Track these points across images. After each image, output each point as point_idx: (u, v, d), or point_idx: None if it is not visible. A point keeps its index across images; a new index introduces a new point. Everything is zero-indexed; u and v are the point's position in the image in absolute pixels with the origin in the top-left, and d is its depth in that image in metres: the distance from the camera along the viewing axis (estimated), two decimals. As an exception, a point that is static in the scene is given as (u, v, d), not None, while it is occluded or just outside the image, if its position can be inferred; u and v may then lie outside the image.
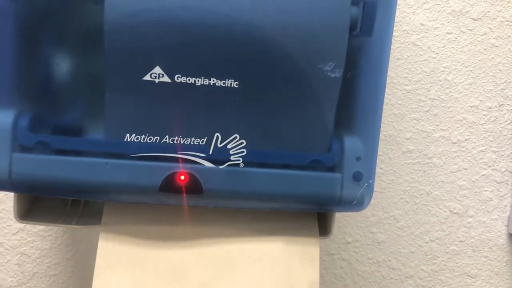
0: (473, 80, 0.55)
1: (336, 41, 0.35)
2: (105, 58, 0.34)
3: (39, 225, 0.52)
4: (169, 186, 0.36)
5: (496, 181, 0.57)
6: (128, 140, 0.35)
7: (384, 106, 0.55)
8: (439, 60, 0.55)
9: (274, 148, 0.36)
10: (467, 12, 0.54)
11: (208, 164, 0.36)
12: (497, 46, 0.55)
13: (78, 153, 0.35)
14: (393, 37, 0.53)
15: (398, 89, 0.55)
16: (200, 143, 0.35)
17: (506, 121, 0.56)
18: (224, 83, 0.34)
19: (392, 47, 0.54)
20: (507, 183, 0.57)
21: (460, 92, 0.55)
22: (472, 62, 0.55)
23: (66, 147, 0.35)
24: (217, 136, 0.35)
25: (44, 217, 0.40)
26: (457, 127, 0.56)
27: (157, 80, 0.34)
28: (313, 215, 0.41)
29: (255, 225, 0.40)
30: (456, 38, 0.54)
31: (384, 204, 0.56)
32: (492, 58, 0.55)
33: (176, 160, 0.35)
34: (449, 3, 0.54)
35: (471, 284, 0.58)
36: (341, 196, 0.37)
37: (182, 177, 0.36)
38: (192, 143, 0.35)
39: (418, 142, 0.56)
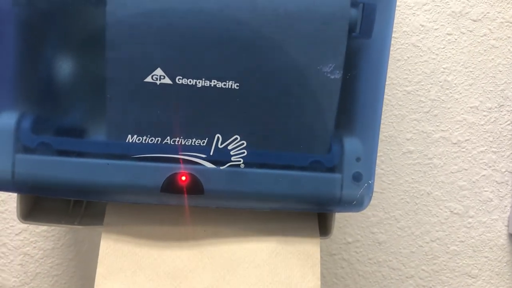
0: (473, 81, 0.55)
1: (336, 42, 0.35)
2: (106, 60, 0.34)
3: (41, 226, 0.53)
4: (170, 186, 0.36)
5: (496, 181, 0.57)
6: (130, 141, 0.35)
7: (385, 107, 0.55)
8: (439, 61, 0.55)
9: (275, 149, 0.37)
10: (467, 13, 0.54)
11: (209, 165, 0.36)
12: (497, 47, 0.55)
13: (80, 154, 0.35)
14: (393, 38, 0.54)
15: (398, 90, 0.55)
16: (201, 144, 0.36)
17: (506, 121, 0.56)
18: (224, 85, 0.35)
19: (392, 48, 0.54)
20: (507, 184, 0.57)
21: (460, 93, 0.55)
22: (472, 63, 0.55)
23: (68, 148, 0.35)
24: (218, 137, 0.36)
25: (46, 218, 0.41)
26: (457, 128, 0.56)
27: (158, 82, 0.34)
28: (313, 215, 0.41)
29: (256, 226, 0.40)
30: (456, 39, 0.55)
31: (384, 204, 0.57)
32: (492, 59, 0.55)
33: (177, 161, 0.36)
34: (449, 4, 0.54)
35: (471, 284, 0.59)
36: (341, 197, 0.37)
37: (184, 178, 0.36)
38: (193, 144, 0.36)
39: (418, 142, 0.56)
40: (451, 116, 0.56)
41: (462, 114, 0.56)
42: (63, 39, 0.35)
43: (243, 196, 0.37)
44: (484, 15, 0.54)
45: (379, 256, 0.57)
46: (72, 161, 0.35)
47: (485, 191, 0.57)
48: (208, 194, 0.36)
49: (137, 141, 0.35)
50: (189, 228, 0.39)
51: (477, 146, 0.56)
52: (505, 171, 0.57)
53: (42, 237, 0.54)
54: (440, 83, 0.55)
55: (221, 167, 0.36)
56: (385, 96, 0.54)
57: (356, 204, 0.38)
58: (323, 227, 0.41)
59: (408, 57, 0.55)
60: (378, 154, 0.55)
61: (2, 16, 0.34)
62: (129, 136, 0.35)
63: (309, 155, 0.37)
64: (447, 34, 0.54)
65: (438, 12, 0.54)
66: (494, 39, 0.55)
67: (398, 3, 0.53)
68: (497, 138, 0.56)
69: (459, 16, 0.54)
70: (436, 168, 0.56)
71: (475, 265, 0.58)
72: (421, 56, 0.55)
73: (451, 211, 0.57)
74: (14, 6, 0.34)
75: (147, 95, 0.34)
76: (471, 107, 0.56)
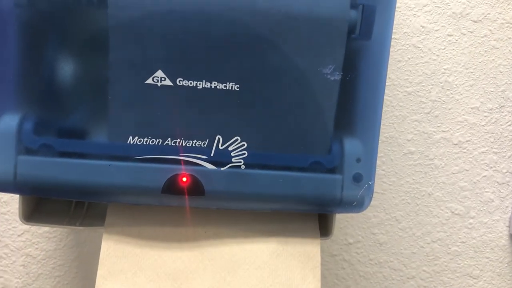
0: (473, 81, 0.55)
1: (335, 44, 0.35)
2: (108, 62, 0.34)
3: (43, 227, 0.53)
4: (171, 187, 0.36)
5: (497, 182, 0.57)
6: (131, 142, 0.35)
7: (385, 108, 0.55)
8: (439, 62, 0.55)
9: (275, 150, 0.37)
10: (467, 14, 0.54)
11: (209, 166, 0.36)
12: (498, 48, 0.55)
13: (81, 156, 0.35)
14: (393, 40, 0.54)
15: (399, 91, 0.55)
16: (202, 145, 0.36)
17: (507, 122, 0.56)
18: (225, 86, 0.35)
19: (393, 49, 0.54)
20: (508, 184, 0.57)
21: (461, 94, 0.55)
22: (473, 64, 0.55)
23: (70, 150, 0.35)
24: (219, 138, 0.36)
25: (48, 219, 0.41)
26: (458, 129, 0.56)
27: (159, 84, 0.35)
28: (314, 216, 0.41)
29: (257, 227, 0.40)
30: (456, 40, 0.55)
31: (385, 205, 0.57)
32: (493, 60, 0.55)
33: (178, 162, 0.36)
34: (449, 5, 0.54)
35: (473, 285, 0.59)
36: (341, 197, 0.37)
37: (184, 179, 0.36)
38: (194, 145, 0.36)
39: (419, 143, 0.56)
40: (452, 117, 0.56)
41: (463, 115, 0.56)
42: (64, 41, 0.35)
43: (244, 197, 0.37)
44: (485, 16, 0.54)
45: (380, 257, 0.58)
46: (73, 163, 0.35)
47: (486, 191, 0.57)
48: (209, 195, 0.36)
49: (138, 142, 0.35)
50: (189, 229, 0.39)
51: (478, 147, 0.56)
52: (506, 172, 0.57)
53: (44, 238, 0.54)
54: (441, 84, 0.55)
55: (222, 168, 0.36)
56: (386, 97, 0.54)
57: (357, 205, 0.38)
58: (324, 228, 0.41)
59: (409, 58, 0.55)
60: (379, 155, 0.55)
61: (4, 18, 0.34)
62: (130, 137, 0.35)
63: (310, 156, 0.37)
64: (448, 35, 0.55)
65: (439, 13, 0.54)
66: (494, 40, 0.55)
67: (398, 4, 0.54)
68: (498, 139, 0.56)
69: (459, 17, 0.54)
70: (437, 169, 0.56)
71: (476, 266, 0.58)
72: (421, 57, 0.55)
73: (452, 212, 0.57)
74: (16, 8, 0.34)
75: (148, 97, 0.35)
76: (472, 108, 0.56)
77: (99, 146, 0.36)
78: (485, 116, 0.56)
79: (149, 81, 0.34)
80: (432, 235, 0.57)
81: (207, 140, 0.36)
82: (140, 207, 0.40)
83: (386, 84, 0.54)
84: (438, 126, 0.56)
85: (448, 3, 0.54)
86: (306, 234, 0.40)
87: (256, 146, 0.36)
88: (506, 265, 0.59)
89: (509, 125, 0.56)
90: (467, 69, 0.55)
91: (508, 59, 0.55)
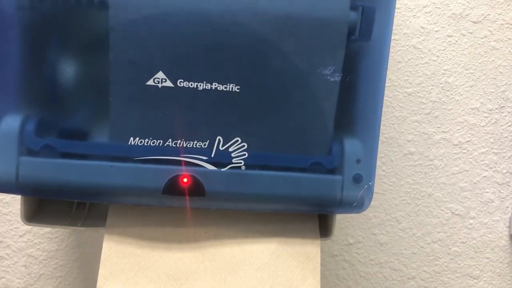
0: (473, 82, 0.55)
1: (335, 45, 0.35)
2: (109, 63, 0.34)
3: (45, 227, 0.53)
4: (172, 188, 0.36)
5: (497, 182, 0.57)
6: (132, 143, 0.36)
7: (385, 109, 0.55)
8: (439, 63, 0.55)
9: (275, 150, 0.37)
10: (467, 15, 0.54)
11: (210, 167, 0.36)
12: (498, 49, 0.55)
13: (83, 157, 0.36)
14: (393, 40, 0.54)
15: (399, 91, 0.55)
16: (203, 146, 0.36)
17: (507, 123, 0.56)
18: (225, 88, 0.35)
19: (392, 50, 0.54)
20: (508, 185, 0.57)
21: (461, 95, 0.56)
22: (473, 64, 0.55)
23: (72, 151, 0.36)
24: (219, 139, 0.36)
25: (50, 220, 0.41)
26: (458, 129, 0.56)
27: (160, 85, 0.35)
28: (314, 216, 0.41)
29: (257, 227, 0.40)
30: (456, 41, 0.55)
31: (386, 205, 0.57)
32: (493, 60, 0.55)
33: (179, 163, 0.36)
34: (449, 6, 0.54)
35: (473, 285, 0.59)
36: (341, 198, 0.38)
37: (185, 180, 0.36)
38: (194, 146, 0.36)
39: (419, 144, 0.56)
40: (452, 118, 0.56)
41: (463, 115, 0.56)
42: (66, 42, 0.35)
43: (244, 198, 0.37)
44: (485, 17, 0.55)
45: (381, 257, 0.58)
46: (75, 163, 0.36)
47: (486, 192, 0.57)
48: (210, 196, 0.37)
49: (139, 143, 0.36)
50: (190, 230, 0.40)
51: (478, 147, 0.56)
52: (506, 172, 0.57)
53: (46, 238, 0.54)
54: (441, 85, 0.55)
55: (222, 169, 0.36)
56: (386, 98, 0.55)
57: (357, 205, 0.38)
58: (324, 229, 0.41)
59: (409, 59, 0.55)
60: (379, 156, 0.55)
61: (6, 19, 0.34)
62: (132, 138, 0.36)
63: (310, 157, 0.37)
64: (448, 36, 0.55)
65: (439, 14, 0.54)
66: (494, 41, 0.55)
67: (398, 6, 0.54)
68: (498, 140, 0.56)
69: (459, 18, 0.54)
70: (437, 169, 0.56)
71: (477, 266, 0.58)
72: (421, 58, 0.55)
73: (452, 212, 0.57)
74: (18, 10, 0.34)
75: (149, 98, 0.35)
76: (472, 109, 0.56)
77: (101, 147, 0.36)
78: (485, 117, 0.56)
79: (150, 82, 0.35)
80: (432, 236, 0.57)
81: (208, 141, 0.36)
82: (141, 208, 0.40)
83: (386, 85, 0.54)
84: (438, 127, 0.56)
85: (448, 4, 0.54)
86: (306, 234, 0.40)
87: (257, 147, 0.36)
88: (506, 265, 0.59)
89: (509, 125, 0.56)
90: (467, 70, 0.55)
91: (508, 59, 0.55)
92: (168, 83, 0.35)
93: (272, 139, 0.37)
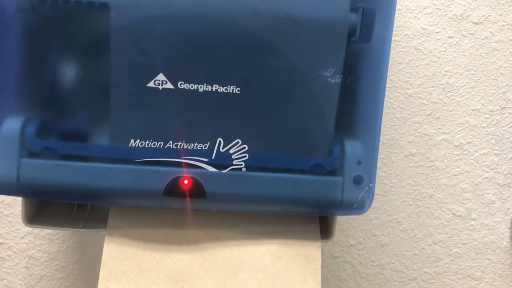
0: (474, 83, 0.55)
1: (336, 47, 0.35)
2: (110, 65, 0.34)
3: (46, 229, 0.53)
4: (173, 190, 0.36)
5: (498, 183, 0.57)
6: (133, 145, 0.36)
7: (386, 110, 0.55)
8: (440, 64, 0.55)
9: (276, 152, 0.37)
10: (468, 16, 0.54)
11: (211, 169, 0.36)
12: (499, 50, 0.55)
13: (83, 158, 0.36)
14: (394, 42, 0.54)
15: (400, 93, 0.55)
16: (203, 148, 0.36)
17: (508, 124, 0.56)
18: (226, 89, 0.35)
19: (393, 51, 0.54)
20: (509, 186, 0.57)
21: (462, 96, 0.56)
22: (474, 65, 0.55)
23: (72, 153, 0.36)
24: (220, 141, 0.36)
25: (51, 221, 0.41)
26: (459, 130, 0.56)
27: (160, 87, 0.35)
28: (314, 218, 0.41)
29: (257, 229, 0.40)
30: (457, 42, 0.55)
31: (387, 207, 0.57)
32: (494, 61, 0.55)
33: (179, 164, 0.36)
34: (450, 7, 0.54)
35: (474, 286, 0.59)
36: (342, 200, 0.38)
37: (186, 182, 0.36)
38: (195, 148, 0.36)
39: (420, 145, 0.56)
40: (453, 119, 0.56)
41: (464, 116, 0.56)
42: (67, 44, 0.35)
43: (245, 200, 0.37)
44: (485, 18, 0.55)
45: (382, 259, 0.58)
46: (76, 165, 0.36)
47: (488, 193, 0.57)
48: (210, 198, 0.37)
49: (140, 145, 0.36)
50: (191, 231, 0.40)
51: (479, 148, 0.56)
52: (507, 173, 0.57)
53: (47, 240, 0.54)
54: (442, 86, 0.55)
55: (223, 171, 0.36)
56: (387, 99, 0.55)
57: (357, 207, 0.38)
58: (325, 230, 0.41)
59: (410, 60, 0.55)
60: (380, 157, 0.55)
61: (7, 21, 0.34)
62: (132, 140, 0.36)
63: (310, 159, 0.37)
64: (449, 37, 0.55)
65: (439, 15, 0.54)
66: (495, 42, 0.55)
67: (399, 7, 0.54)
68: (499, 141, 0.56)
69: (460, 19, 0.54)
70: (438, 170, 0.56)
71: (478, 267, 0.58)
72: (422, 59, 0.55)
73: (454, 214, 0.57)
74: (18, 12, 0.34)
75: (149, 100, 0.35)
76: (473, 110, 0.56)
77: (101, 149, 0.36)
78: (486, 118, 0.56)
79: (151, 84, 0.35)
80: (433, 237, 0.57)
81: (208, 143, 0.36)
82: (142, 210, 0.40)
83: (387, 86, 0.54)
84: (439, 128, 0.56)
85: (448, 5, 0.54)
86: (307, 236, 0.40)
87: (257, 149, 0.36)
88: (508, 266, 0.59)
89: (510, 126, 0.56)
90: (468, 71, 0.55)
91: (509, 61, 0.55)
92: (169, 85, 0.35)
93: (273, 140, 0.37)
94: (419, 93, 0.55)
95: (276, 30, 0.35)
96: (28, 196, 0.38)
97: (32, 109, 0.35)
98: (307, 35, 0.35)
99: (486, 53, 0.55)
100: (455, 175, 0.57)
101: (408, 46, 0.55)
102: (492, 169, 0.57)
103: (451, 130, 0.56)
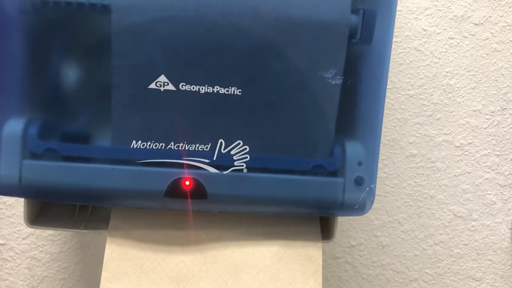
0: (475, 84, 0.55)
1: (336, 49, 0.35)
2: (112, 67, 0.35)
3: (48, 230, 0.53)
4: (174, 191, 0.36)
5: (499, 184, 0.57)
6: (134, 146, 0.36)
7: (387, 111, 0.55)
8: (441, 65, 0.55)
9: (277, 153, 0.37)
10: (469, 17, 0.55)
11: (212, 170, 0.37)
12: (499, 51, 0.55)
13: (85, 160, 0.36)
14: (395, 43, 0.54)
15: (401, 94, 0.55)
16: (205, 149, 0.36)
17: (509, 124, 0.56)
18: (227, 91, 0.35)
19: (394, 52, 0.54)
20: (510, 187, 0.57)
21: (463, 97, 0.56)
22: (475, 66, 0.55)
23: (74, 154, 0.36)
24: (221, 142, 0.36)
25: (53, 222, 0.41)
26: (460, 131, 0.56)
27: (162, 89, 0.35)
28: (315, 219, 0.42)
29: (259, 230, 0.40)
30: (458, 43, 0.55)
31: (388, 208, 0.57)
32: (495, 62, 0.55)
33: (181, 166, 0.36)
34: (451, 8, 0.54)
35: (475, 287, 0.59)
36: (343, 201, 0.38)
37: (187, 183, 0.36)
38: (196, 149, 0.36)
39: (421, 146, 0.56)
40: (454, 120, 0.56)
41: (465, 117, 0.56)
42: (69, 46, 0.35)
43: (246, 201, 0.37)
44: (486, 19, 0.55)
45: (383, 259, 0.58)
46: (78, 167, 0.36)
47: (489, 194, 0.57)
48: (211, 199, 0.37)
49: (141, 146, 0.36)
50: (192, 232, 0.40)
51: (480, 149, 0.56)
52: (508, 174, 0.57)
53: (49, 241, 0.54)
54: (443, 87, 0.55)
55: (224, 172, 0.37)
56: (387, 100, 0.55)
57: (358, 208, 0.38)
58: (326, 231, 0.41)
59: (411, 61, 0.55)
60: (381, 158, 0.55)
61: (9, 24, 0.34)
62: (134, 141, 0.36)
63: (311, 160, 0.37)
64: (449, 38, 0.55)
65: (440, 17, 0.54)
66: (496, 43, 0.55)
67: (400, 8, 0.54)
68: (500, 141, 0.56)
69: (461, 20, 0.55)
70: (439, 171, 0.56)
71: (479, 268, 0.58)
72: (423, 60, 0.55)
73: (455, 214, 0.57)
74: (21, 15, 0.34)
75: (151, 102, 0.35)
76: (473, 111, 0.56)
77: (103, 150, 0.36)
78: (487, 119, 0.56)
79: (152, 86, 0.35)
80: (434, 238, 0.57)
81: (210, 144, 0.36)
82: (143, 211, 0.40)
83: (388, 87, 0.54)
84: (440, 129, 0.56)
85: (449, 6, 0.54)
86: (308, 237, 0.40)
87: (258, 150, 0.37)
88: (509, 267, 0.59)
89: (511, 127, 0.56)
90: (468, 72, 0.55)
91: (510, 61, 0.55)
92: (170, 87, 0.35)
93: (274, 141, 0.37)
94: (420, 94, 0.55)
95: (277, 32, 0.35)
96: (30, 197, 0.38)
97: (34, 111, 0.36)
98: (308, 36, 0.35)
99: (487, 54, 0.55)
100: (456, 176, 0.57)
101: (409, 47, 0.55)
102: (493, 170, 0.57)
103: (452, 131, 0.56)
